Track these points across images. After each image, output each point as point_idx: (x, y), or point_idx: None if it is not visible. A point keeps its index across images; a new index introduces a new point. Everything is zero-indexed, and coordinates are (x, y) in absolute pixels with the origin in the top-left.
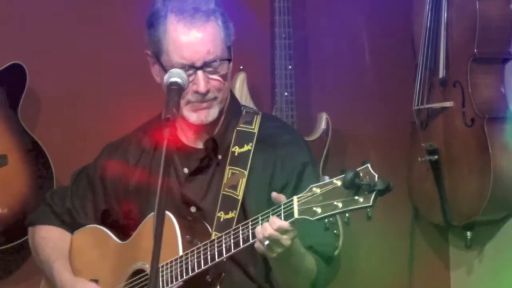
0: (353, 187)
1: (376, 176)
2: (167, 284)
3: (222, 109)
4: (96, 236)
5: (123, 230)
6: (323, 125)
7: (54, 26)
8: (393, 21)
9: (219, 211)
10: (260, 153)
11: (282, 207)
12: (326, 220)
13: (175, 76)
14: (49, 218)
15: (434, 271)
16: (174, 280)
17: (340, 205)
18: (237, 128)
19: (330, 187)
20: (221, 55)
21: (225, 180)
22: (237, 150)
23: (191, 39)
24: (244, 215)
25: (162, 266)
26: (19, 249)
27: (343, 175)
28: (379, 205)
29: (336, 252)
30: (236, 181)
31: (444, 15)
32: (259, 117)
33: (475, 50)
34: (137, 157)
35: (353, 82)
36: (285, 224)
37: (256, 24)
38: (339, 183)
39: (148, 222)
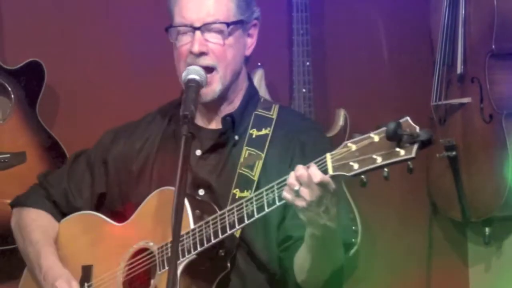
0: (395, 138)
1: (418, 127)
2: (178, 259)
3: (227, 87)
4: (87, 222)
5: (118, 215)
6: (341, 122)
7: (72, 23)
8: (411, 17)
9: (235, 188)
10: (278, 138)
11: (315, 164)
12: (362, 176)
13: (193, 73)
14: (41, 201)
15: (452, 267)
16: (186, 253)
17: (379, 159)
18: (255, 112)
19: (366, 141)
20: (223, 20)
21: (241, 159)
22: (254, 132)
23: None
24: None
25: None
26: None
27: (382, 128)
28: (398, 200)
29: (354, 249)
30: (253, 161)
31: (462, 11)
32: (277, 106)
33: (493, 46)
34: (143, 141)
35: (371, 78)
36: (319, 173)
37: (273, 20)
38: (376, 137)
39: (151, 202)
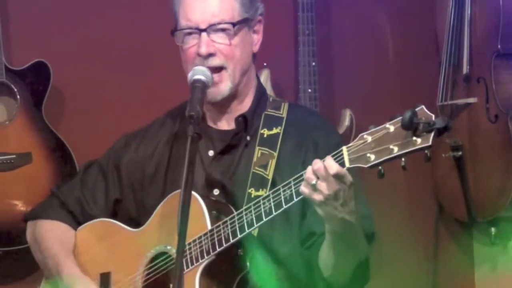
0: (411, 127)
1: (433, 116)
2: (197, 260)
3: (236, 85)
4: (103, 229)
5: (134, 221)
6: (346, 122)
7: (77, 23)
8: (417, 18)
9: (250, 187)
10: (290, 136)
11: (331, 157)
12: (380, 167)
13: (199, 73)
14: (55, 212)
15: (458, 267)
16: (205, 254)
17: (396, 148)
18: (265, 112)
19: (382, 132)
20: (229, 20)
21: (254, 159)
22: (266, 132)
23: (197, 1)
24: None
25: (190, 243)
26: None
27: (398, 118)
28: (404, 201)
29: None
30: (266, 161)
31: (468, 11)
32: (286, 104)
33: (499, 46)
34: (155, 146)
35: (377, 78)
36: (335, 165)
37: (279, 21)
38: (391, 127)
39: (166, 206)
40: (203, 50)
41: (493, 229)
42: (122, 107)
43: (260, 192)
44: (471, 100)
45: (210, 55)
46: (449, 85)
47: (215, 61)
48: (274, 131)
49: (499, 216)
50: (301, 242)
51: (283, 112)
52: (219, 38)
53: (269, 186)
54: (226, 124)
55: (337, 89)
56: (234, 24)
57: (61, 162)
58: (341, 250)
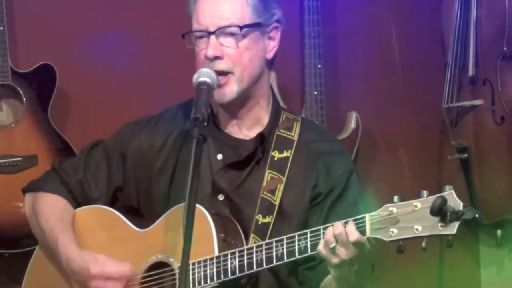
0: (439, 214)
1: (461, 204)
2: (200, 284)
3: (245, 89)
4: (105, 218)
5: (134, 210)
6: (353, 124)
7: (83, 26)
8: (423, 20)
9: (258, 213)
10: (300, 160)
11: (354, 222)
12: (400, 243)
13: (204, 75)
14: (56, 187)
15: (464, 269)
16: (208, 280)
17: (420, 229)
18: (277, 133)
19: (408, 209)
20: (238, 23)
21: (264, 183)
22: (276, 155)
23: (207, 3)
24: (280, 221)
25: (194, 264)
26: None
27: (426, 198)
28: None
29: None
30: (274, 186)
31: (474, 13)
32: (298, 124)
33: (505, 48)
34: (164, 139)
35: (383, 80)
36: (356, 233)
37: (285, 23)
38: (418, 205)
39: (177, 212)
40: (210, 52)
41: (499, 231)
42: (128, 110)
43: (267, 219)
44: (477, 102)
45: (217, 58)
46: (455, 87)
47: (221, 65)
48: (285, 154)
49: (505, 218)
50: (300, 262)
51: (295, 134)
52: (227, 42)
53: (275, 212)
54: (237, 129)
55: (343, 91)
56: (241, 27)
57: None
58: None
